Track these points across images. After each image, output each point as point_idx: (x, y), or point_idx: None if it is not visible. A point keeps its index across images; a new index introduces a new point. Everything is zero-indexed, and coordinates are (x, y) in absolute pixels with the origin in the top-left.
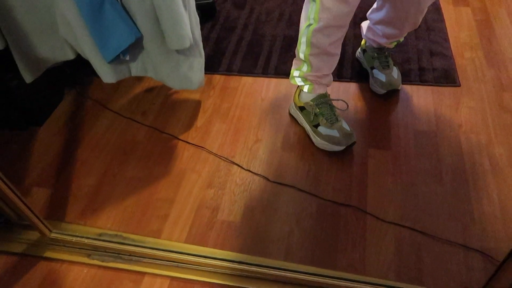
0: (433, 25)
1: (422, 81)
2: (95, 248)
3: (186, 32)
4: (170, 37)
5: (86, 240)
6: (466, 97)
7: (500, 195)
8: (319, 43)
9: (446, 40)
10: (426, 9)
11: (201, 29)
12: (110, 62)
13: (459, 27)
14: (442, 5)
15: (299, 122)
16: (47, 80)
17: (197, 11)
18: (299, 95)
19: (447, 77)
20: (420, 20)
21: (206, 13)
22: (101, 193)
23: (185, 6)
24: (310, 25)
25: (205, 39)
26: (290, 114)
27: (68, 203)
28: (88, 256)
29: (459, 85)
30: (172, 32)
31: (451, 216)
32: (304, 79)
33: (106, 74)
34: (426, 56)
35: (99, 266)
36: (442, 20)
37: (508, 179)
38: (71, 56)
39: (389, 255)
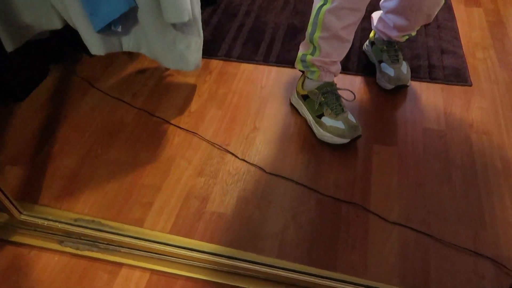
0: (444, 23)
1: (432, 79)
2: (69, 234)
3: (186, 5)
4: (168, 9)
5: (59, 225)
6: (478, 97)
7: None
8: (331, 25)
9: (457, 39)
10: (443, 2)
11: (202, 13)
12: (100, 32)
13: (470, 27)
14: (453, 4)
15: (301, 112)
16: (31, 53)
17: None
18: (303, 83)
19: (458, 75)
20: (435, 13)
21: None
22: (80, 175)
23: None
24: (323, 5)
25: (205, 23)
26: (291, 104)
27: (44, 184)
28: (61, 242)
29: (471, 85)
30: (170, 3)
31: (460, 219)
32: (311, 64)
33: (94, 44)
34: (436, 54)
35: (72, 254)
36: (453, 19)
37: None
38: (58, 25)
39: (393, 258)
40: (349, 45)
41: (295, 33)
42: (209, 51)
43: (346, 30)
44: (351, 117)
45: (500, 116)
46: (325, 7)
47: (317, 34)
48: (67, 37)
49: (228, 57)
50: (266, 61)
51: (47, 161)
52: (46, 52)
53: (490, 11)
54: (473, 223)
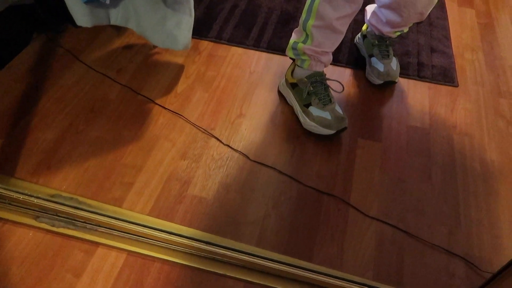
0: (436, 21)
1: (420, 77)
2: (45, 210)
3: None
4: None
5: (35, 200)
6: (463, 98)
7: (488, 202)
8: (325, 14)
9: (448, 38)
10: (436, 1)
11: None
12: (87, 3)
13: (461, 27)
14: (446, 3)
15: (288, 101)
16: (13, 18)
17: None
18: (293, 71)
19: (445, 75)
20: (428, 11)
21: None
22: (60, 150)
23: None
24: None
25: (197, 2)
26: (279, 92)
27: (21, 156)
28: (36, 218)
29: (457, 85)
30: None
31: (437, 218)
32: (302, 52)
33: (81, 16)
34: (426, 52)
35: (48, 231)
36: (445, 18)
37: (498, 187)
38: None
39: (369, 252)
40: (341, 37)
41: (288, 19)
42: (199, 31)
43: (341, 21)
44: (338, 109)
45: (483, 119)
46: None
47: (310, 22)
48: (53, 6)
49: (218, 39)
50: (256, 46)
51: (26, 133)
52: (30, 19)
53: (482, 13)
54: (448, 222)
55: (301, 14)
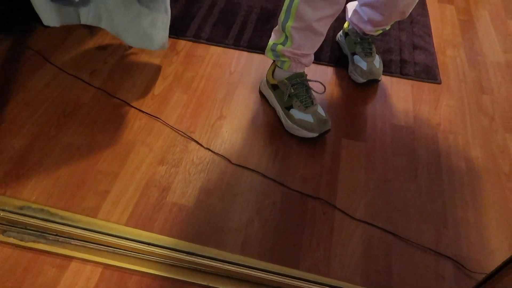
0: (417, 18)
1: (403, 74)
2: (13, 224)
3: None
4: None
5: (2, 213)
6: (446, 95)
7: (475, 200)
8: (304, 16)
9: (429, 35)
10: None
11: None
12: (54, 0)
13: (442, 24)
14: (427, 0)
15: (270, 102)
16: None
17: None
18: (273, 71)
19: (428, 72)
20: (410, 10)
21: None
22: (29, 159)
23: None
24: None
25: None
26: (261, 92)
27: None
28: (3, 232)
29: (440, 82)
30: None
31: (423, 217)
32: (282, 54)
33: (48, 15)
34: (408, 49)
35: (16, 246)
36: (426, 15)
37: (484, 184)
38: None
39: (357, 256)
40: (322, 38)
41: (269, 17)
42: (177, 30)
43: (321, 22)
44: (320, 111)
45: (466, 116)
46: None
47: (289, 24)
48: (18, 4)
49: (197, 38)
50: (236, 45)
51: None
52: None
53: (462, 10)
54: (436, 222)
55: (280, 12)
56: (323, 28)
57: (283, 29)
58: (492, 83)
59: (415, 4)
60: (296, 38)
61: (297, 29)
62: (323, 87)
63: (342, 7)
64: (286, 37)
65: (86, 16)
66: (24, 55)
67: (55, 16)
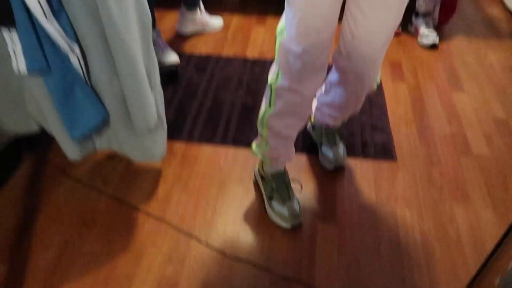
0: (375, 100)
1: (365, 155)
2: None
3: (152, 114)
4: (137, 118)
5: None
6: (402, 172)
7: (429, 270)
8: (275, 127)
9: (385, 115)
10: (364, 98)
11: (164, 91)
12: (76, 138)
13: (396, 102)
14: (382, 80)
15: (260, 186)
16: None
17: (161, 76)
18: (263, 163)
19: (385, 151)
20: (359, 107)
21: (169, 77)
22: (59, 268)
23: (151, 87)
24: (267, 110)
25: (167, 102)
26: (255, 176)
27: (26, 278)
28: None
29: (396, 160)
30: (138, 114)
31: None
32: (263, 155)
33: (72, 150)
34: (368, 131)
35: None
36: (382, 94)
37: (436, 254)
38: (35, 129)
39: None
40: (293, 141)
41: (249, 112)
42: (173, 132)
43: (290, 128)
44: (296, 205)
45: (419, 189)
46: (267, 113)
47: (264, 133)
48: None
49: (190, 137)
50: (223, 142)
51: (27, 255)
52: (18, 139)
53: (413, 87)
54: None
55: (259, 105)
56: (293, 132)
57: (261, 136)
58: (440, 155)
59: (362, 102)
60: (273, 143)
61: (271, 137)
62: (300, 187)
63: (306, 118)
64: (266, 142)
65: (100, 143)
66: (45, 170)
67: (78, 150)
